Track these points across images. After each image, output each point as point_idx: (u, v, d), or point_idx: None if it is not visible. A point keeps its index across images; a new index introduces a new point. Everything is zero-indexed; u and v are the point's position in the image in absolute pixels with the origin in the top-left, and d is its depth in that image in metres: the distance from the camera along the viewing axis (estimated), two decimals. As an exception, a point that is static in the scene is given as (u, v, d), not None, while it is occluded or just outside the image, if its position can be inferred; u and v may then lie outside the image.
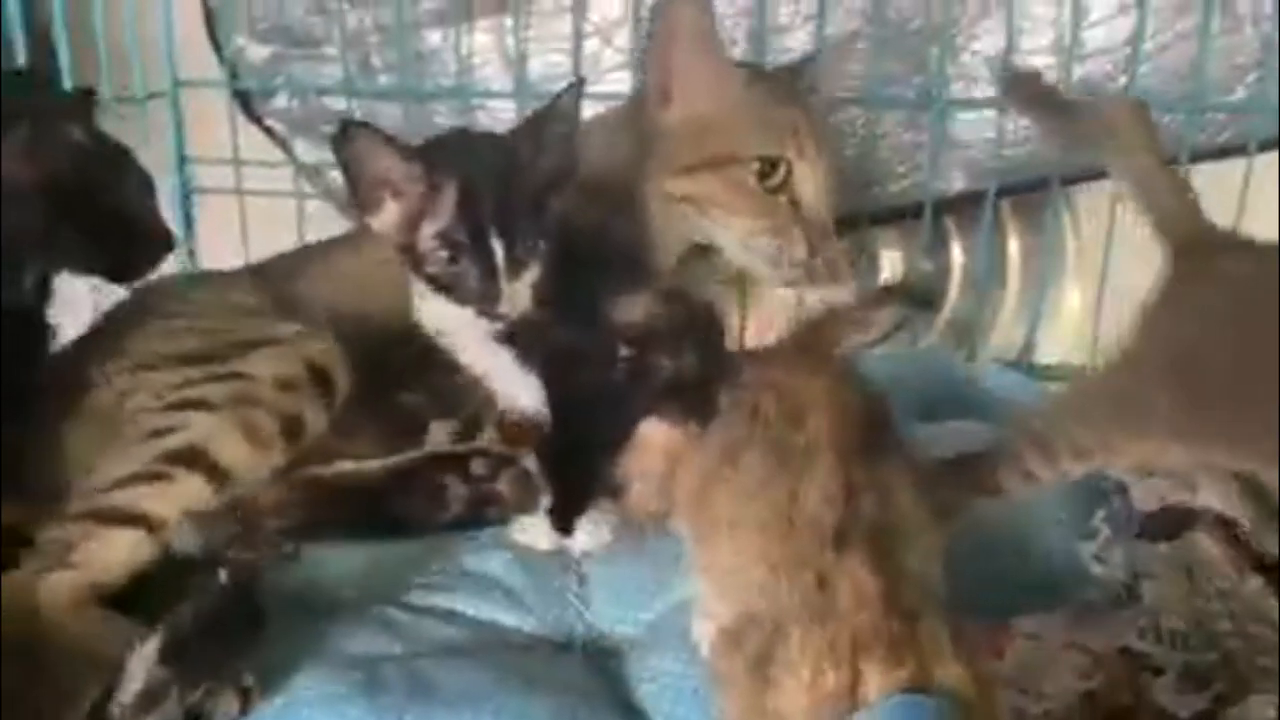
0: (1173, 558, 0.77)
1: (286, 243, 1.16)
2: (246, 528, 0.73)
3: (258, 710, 0.61)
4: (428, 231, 0.74)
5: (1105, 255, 1.15)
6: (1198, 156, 1.13)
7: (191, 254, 1.33)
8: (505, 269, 0.73)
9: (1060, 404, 0.80)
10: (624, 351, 0.81)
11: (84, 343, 0.87)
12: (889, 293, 0.95)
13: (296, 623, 0.69)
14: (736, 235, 0.88)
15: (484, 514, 0.77)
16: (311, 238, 1.21)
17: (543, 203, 0.76)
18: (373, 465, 0.78)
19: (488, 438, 0.89)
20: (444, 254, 0.74)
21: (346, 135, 0.74)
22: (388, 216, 0.76)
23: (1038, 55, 1.16)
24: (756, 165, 0.86)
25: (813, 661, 0.54)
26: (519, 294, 0.75)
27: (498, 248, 0.73)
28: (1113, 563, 0.79)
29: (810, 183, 0.88)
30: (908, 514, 0.64)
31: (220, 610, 0.62)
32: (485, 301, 0.75)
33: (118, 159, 0.83)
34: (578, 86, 0.79)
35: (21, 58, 1.10)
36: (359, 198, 0.77)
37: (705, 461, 0.72)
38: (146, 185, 0.85)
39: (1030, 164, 1.19)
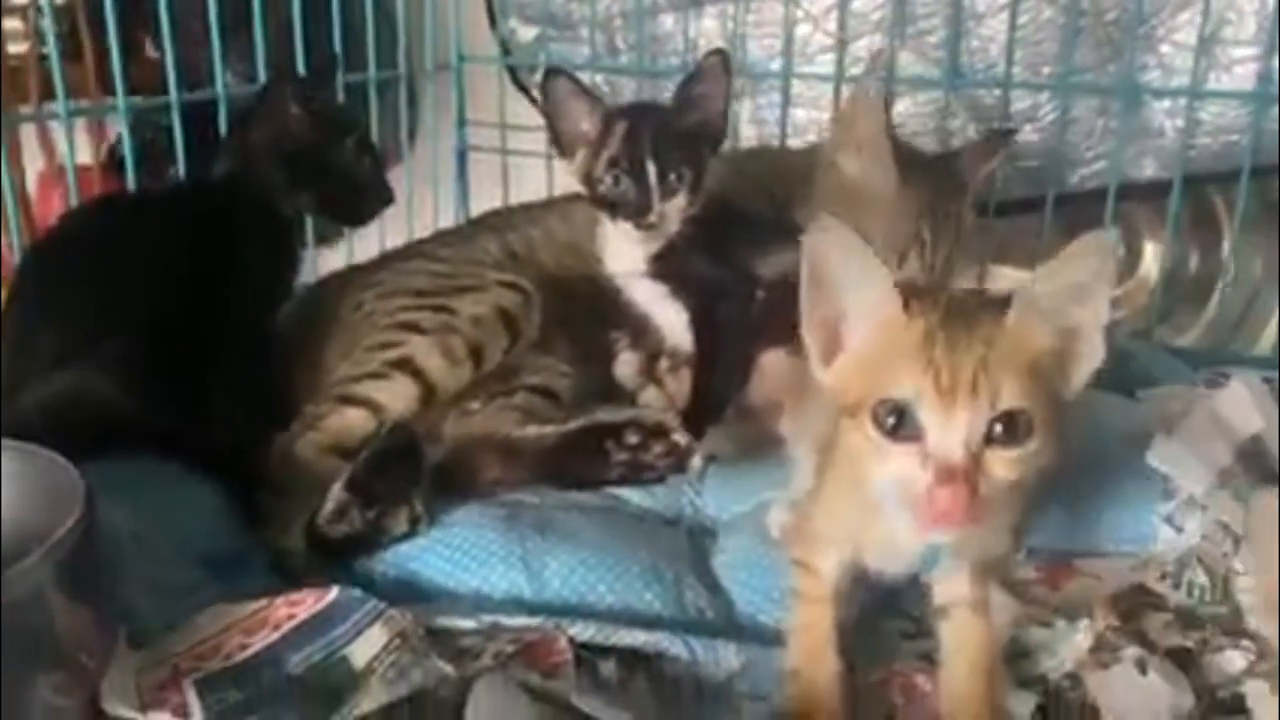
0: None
1: (539, 196, 1.39)
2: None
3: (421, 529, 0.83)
4: (601, 160, 0.95)
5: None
6: None
7: (465, 199, 1.61)
8: (657, 188, 0.93)
9: None
10: (760, 294, 0.97)
11: (355, 271, 1.14)
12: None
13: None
14: None
15: (641, 476, 0.91)
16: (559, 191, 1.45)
17: (692, 145, 0.95)
18: (550, 431, 0.94)
19: (665, 366, 1.08)
20: (610, 176, 0.95)
21: (548, 78, 0.97)
22: (578, 159, 0.98)
23: (1240, 46, 1.17)
24: None
25: None
26: (668, 214, 0.95)
27: (651, 172, 0.93)
28: (1187, 529, 0.81)
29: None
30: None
31: (388, 455, 0.83)
32: (639, 214, 0.94)
33: (341, 124, 1.02)
34: (719, 54, 0.97)
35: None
36: (557, 138, 1.00)
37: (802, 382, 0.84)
38: (368, 147, 1.04)
39: (1225, 154, 1.20)
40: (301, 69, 1.18)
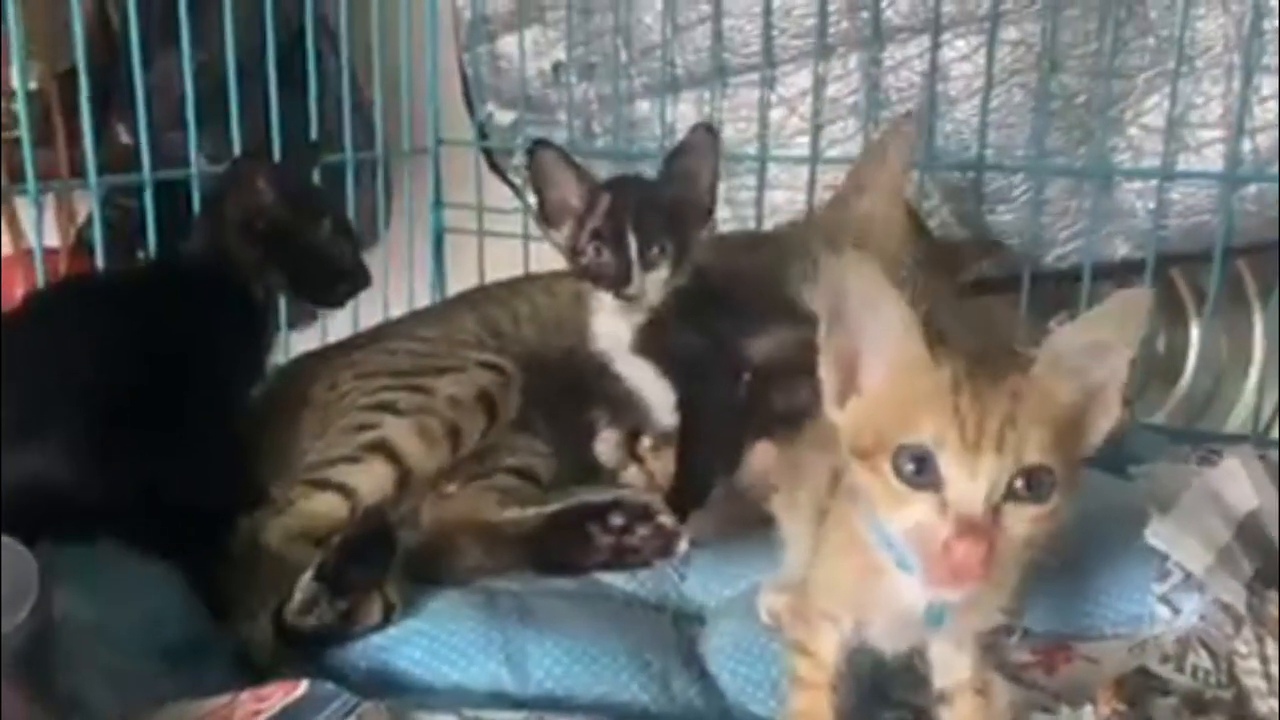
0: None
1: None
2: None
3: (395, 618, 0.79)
4: (585, 231, 0.95)
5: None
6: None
7: (441, 281, 1.60)
8: (638, 259, 0.93)
9: None
10: (746, 377, 0.96)
11: (329, 350, 1.11)
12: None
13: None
14: None
15: (626, 560, 0.88)
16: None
17: (675, 218, 0.95)
18: (531, 514, 0.92)
19: (647, 444, 1.06)
20: (592, 247, 0.94)
21: (536, 150, 0.97)
22: (564, 231, 0.98)
23: (1206, 129, 1.19)
24: None
25: None
26: (649, 286, 0.94)
27: (632, 243, 0.93)
28: (1185, 609, 0.79)
29: None
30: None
31: (360, 542, 0.80)
32: (619, 284, 0.94)
33: (318, 206, 1.01)
34: (706, 128, 0.99)
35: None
36: (544, 211, 1.00)
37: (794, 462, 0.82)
38: (344, 229, 1.03)
39: (1195, 233, 1.21)
40: (281, 153, 1.17)
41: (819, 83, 1.31)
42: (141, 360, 0.88)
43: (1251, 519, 0.77)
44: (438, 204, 1.58)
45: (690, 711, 0.74)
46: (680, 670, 0.76)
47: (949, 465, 0.54)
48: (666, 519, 0.86)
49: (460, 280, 1.53)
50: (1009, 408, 0.54)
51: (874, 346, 0.58)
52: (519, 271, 1.46)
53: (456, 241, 1.58)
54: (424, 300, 1.48)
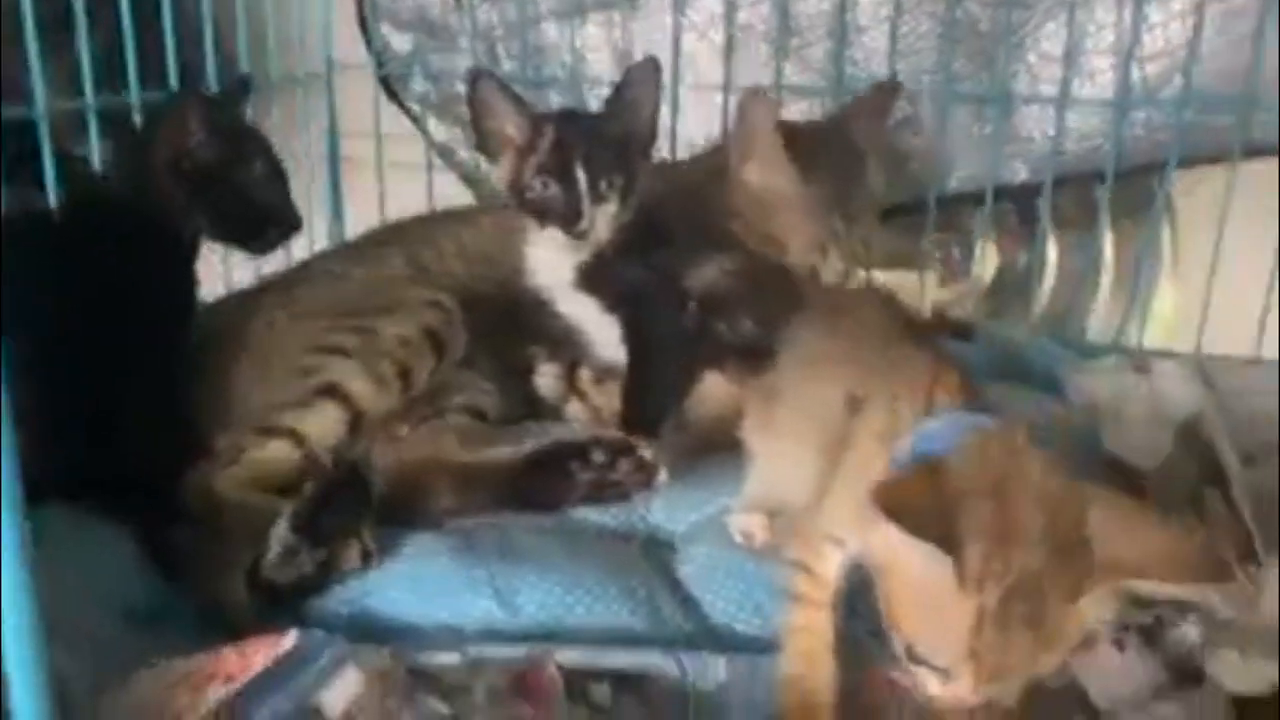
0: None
1: (417, 208, 1.35)
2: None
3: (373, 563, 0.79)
4: (530, 166, 0.93)
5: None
6: (1250, 153, 1.21)
7: (338, 215, 1.54)
8: (587, 194, 0.92)
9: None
10: (691, 307, 0.97)
11: (259, 290, 1.06)
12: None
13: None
14: None
15: (606, 495, 0.88)
16: (439, 205, 1.41)
17: (622, 152, 0.94)
18: (509, 452, 0.91)
19: (588, 377, 1.06)
20: (539, 182, 0.93)
21: (476, 81, 0.94)
22: (504, 164, 0.96)
23: (1100, 56, 1.26)
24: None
25: None
26: (599, 221, 0.94)
27: (581, 177, 0.92)
28: None
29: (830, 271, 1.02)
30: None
31: (333, 490, 0.79)
32: (569, 221, 0.93)
33: (250, 147, 0.95)
34: (651, 62, 0.97)
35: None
36: (483, 143, 0.97)
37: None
38: (277, 172, 0.97)
39: (1089, 157, 1.28)
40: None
41: (730, 8, 1.31)
42: (64, 308, 0.83)
43: (1192, 421, 0.83)
44: (332, 132, 1.51)
45: (680, 634, 0.76)
46: (667, 595, 0.78)
47: (959, 682, 0.57)
48: (647, 452, 0.87)
49: (359, 213, 1.48)
50: (1031, 643, 0.55)
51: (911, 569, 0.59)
52: (420, 203, 1.43)
53: (355, 171, 1.52)
54: (321, 232, 1.43)
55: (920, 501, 0.56)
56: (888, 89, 1.12)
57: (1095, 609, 0.57)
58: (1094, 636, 0.68)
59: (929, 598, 0.57)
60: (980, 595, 0.55)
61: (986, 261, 1.47)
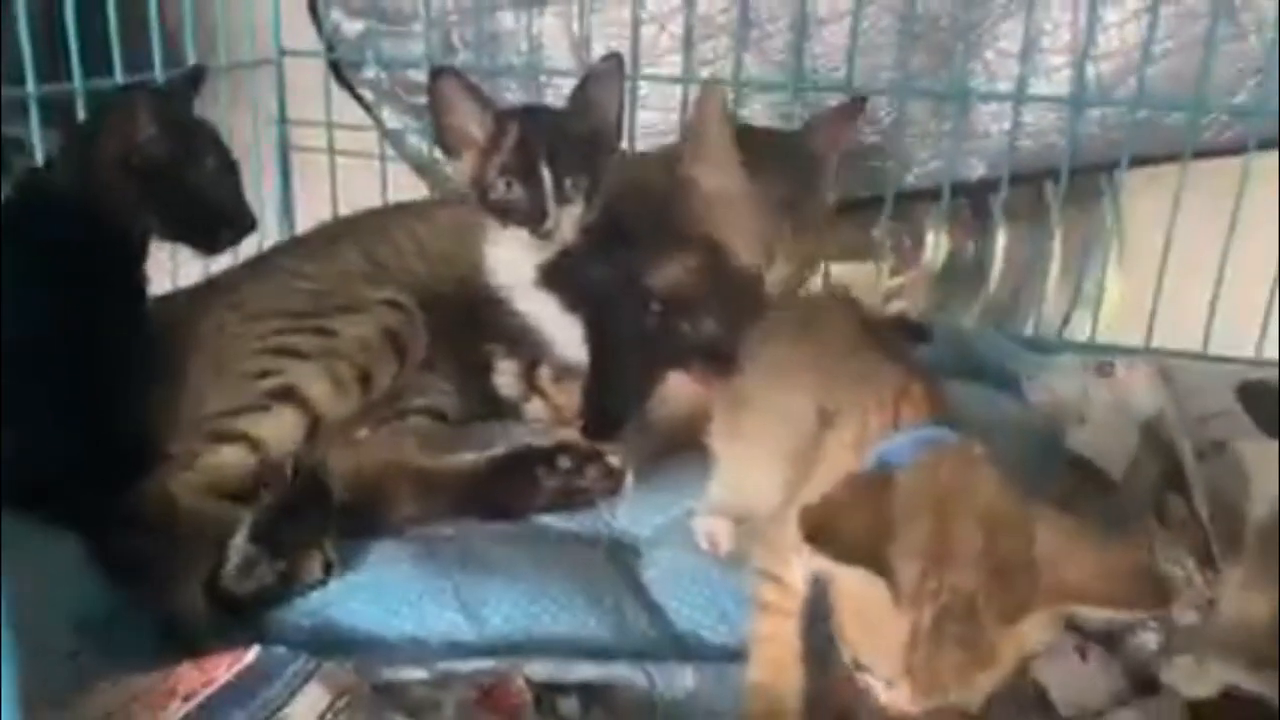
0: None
1: (370, 199, 1.32)
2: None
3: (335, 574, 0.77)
4: (493, 164, 0.92)
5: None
6: (1200, 154, 1.23)
7: (288, 206, 1.50)
8: (552, 195, 0.91)
9: None
10: (654, 307, 0.96)
11: (207, 288, 1.03)
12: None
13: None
14: None
15: (572, 502, 0.88)
16: (392, 196, 1.38)
17: (587, 150, 0.93)
18: (472, 457, 0.90)
19: (547, 375, 1.05)
20: (503, 182, 0.91)
21: (437, 77, 0.92)
22: (466, 162, 0.94)
23: (1056, 54, 1.27)
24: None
25: None
26: (564, 222, 0.92)
27: (546, 177, 0.90)
28: None
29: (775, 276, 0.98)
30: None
31: (294, 500, 0.77)
32: (533, 220, 0.91)
33: (202, 142, 0.92)
34: (615, 58, 0.95)
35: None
36: (444, 140, 0.95)
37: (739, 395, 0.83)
38: (230, 169, 0.93)
39: (1044, 154, 1.29)
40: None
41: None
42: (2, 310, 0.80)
43: (1155, 422, 0.84)
44: (282, 120, 1.47)
45: (646, 642, 0.75)
46: (631, 602, 0.78)
47: (897, 694, 0.56)
48: (615, 458, 0.86)
49: (310, 204, 1.45)
50: (965, 662, 0.55)
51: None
52: (373, 194, 1.40)
53: (306, 160, 1.49)
54: (272, 224, 1.39)
55: (848, 524, 0.56)
56: (851, 108, 1.10)
57: (1038, 633, 0.57)
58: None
59: (868, 612, 0.57)
60: (916, 613, 0.55)
61: (938, 250, 1.49)
